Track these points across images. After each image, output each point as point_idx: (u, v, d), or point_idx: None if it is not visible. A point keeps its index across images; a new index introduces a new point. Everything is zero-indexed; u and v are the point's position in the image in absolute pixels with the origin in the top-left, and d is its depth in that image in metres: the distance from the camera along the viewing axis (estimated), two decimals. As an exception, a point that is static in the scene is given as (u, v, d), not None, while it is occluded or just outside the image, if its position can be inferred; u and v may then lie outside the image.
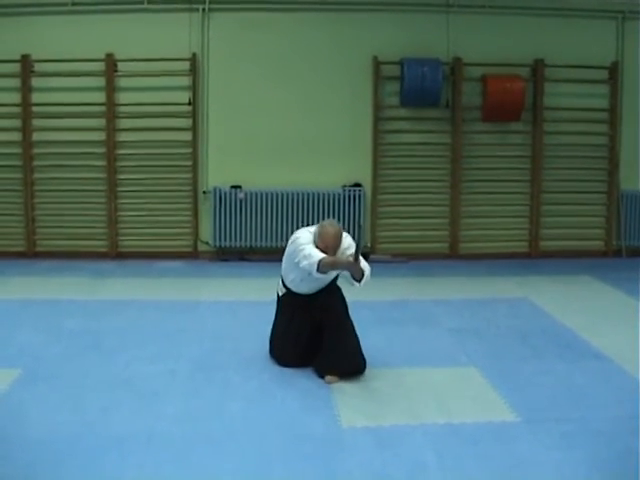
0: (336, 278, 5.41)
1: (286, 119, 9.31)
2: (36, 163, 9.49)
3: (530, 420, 4.53)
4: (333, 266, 4.97)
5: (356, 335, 5.34)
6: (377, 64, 9.49)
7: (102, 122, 9.38)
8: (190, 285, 8.34)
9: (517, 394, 4.95)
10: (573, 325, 6.64)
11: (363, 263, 4.97)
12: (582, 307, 7.41)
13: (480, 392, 5.06)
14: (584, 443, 4.20)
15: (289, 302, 5.48)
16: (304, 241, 5.12)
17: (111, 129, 9.38)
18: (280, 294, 5.57)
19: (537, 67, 9.61)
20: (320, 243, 5.06)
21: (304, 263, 4.96)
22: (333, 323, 5.26)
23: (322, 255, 4.93)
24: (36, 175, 9.51)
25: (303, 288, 5.39)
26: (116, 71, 9.35)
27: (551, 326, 6.68)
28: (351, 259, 4.87)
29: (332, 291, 5.41)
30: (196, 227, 9.69)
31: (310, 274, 5.04)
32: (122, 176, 9.54)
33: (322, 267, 4.90)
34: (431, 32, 9.49)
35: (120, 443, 4.15)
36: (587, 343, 6.13)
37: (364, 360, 5.33)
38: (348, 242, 5.24)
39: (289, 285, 5.44)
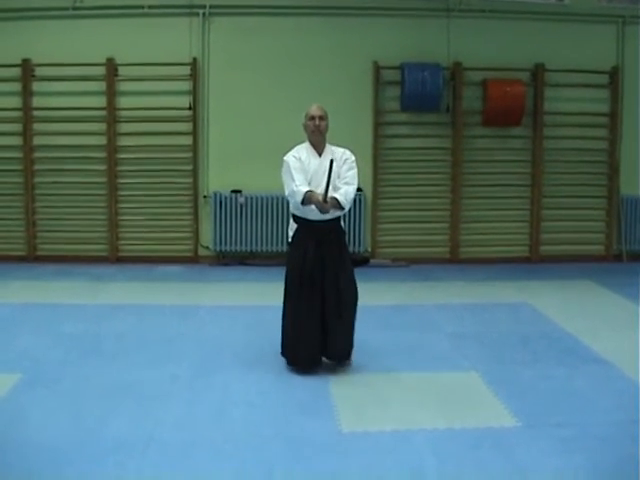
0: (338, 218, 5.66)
1: (286, 123, 9.22)
2: (37, 167, 9.51)
3: (530, 425, 4.52)
4: (311, 201, 5.34)
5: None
6: (377, 69, 9.51)
7: (103, 126, 9.40)
8: (190, 290, 8.34)
9: (517, 399, 4.95)
10: (573, 330, 6.64)
11: (342, 192, 5.43)
12: (582, 312, 7.41)
13: (480, 397, 5.06)
14: (584, 448, 4.19)
15: (301, 237, 5.54)
16: (287, 175, 5.46)
17: (112, 133, 9.39)
18: (291, 234, 5.62)
19: (537, 71, 9.62)
20: (308, 120, 5.55)
21: (292, 202, 5.48)
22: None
23: (304, 191, 5.32)
24: (37, 179, 9.53)
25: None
26: (117, 75, 9.37)
27: (551, 331, 6.68)
28: (320, 198, 5.29)
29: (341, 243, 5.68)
30: (196, 232, 9.69)
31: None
32: (122, 180, 9.55)
33: (306, 201, 5.35)
34: (431, 37, 9.50)
35: (119, 448, 4.15)
36: (587, 348, 6.13)
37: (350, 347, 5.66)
38: (346, 153, 5.71)
39: (295, 211, 5.56)
